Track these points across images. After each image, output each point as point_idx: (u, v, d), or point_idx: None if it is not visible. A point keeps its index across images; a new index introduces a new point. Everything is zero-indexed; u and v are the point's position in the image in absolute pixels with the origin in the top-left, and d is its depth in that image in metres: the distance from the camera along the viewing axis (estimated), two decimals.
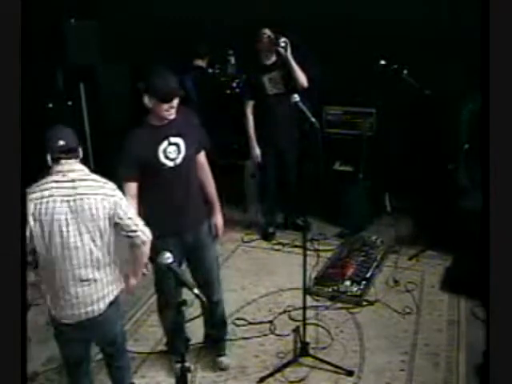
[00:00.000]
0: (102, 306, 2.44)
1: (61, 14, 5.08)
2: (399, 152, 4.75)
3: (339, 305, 3.73)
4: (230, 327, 3.50)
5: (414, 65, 4.31)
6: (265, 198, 4.89)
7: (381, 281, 4.01)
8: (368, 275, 3.96)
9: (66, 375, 2.67)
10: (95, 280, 2.41)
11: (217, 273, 3.11)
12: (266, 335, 3.45)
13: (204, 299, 2.31)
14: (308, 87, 4.30)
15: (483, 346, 2.63)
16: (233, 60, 5.23)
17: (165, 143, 2.73)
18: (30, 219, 2.27)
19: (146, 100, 2.66)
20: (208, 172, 3.01)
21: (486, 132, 1.73)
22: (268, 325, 3.55)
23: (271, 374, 3.07)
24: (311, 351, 3.18)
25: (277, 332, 3.48)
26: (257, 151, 4.51)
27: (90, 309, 2.41)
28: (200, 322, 3.33)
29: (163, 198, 2.78)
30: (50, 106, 5.26)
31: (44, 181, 2.39)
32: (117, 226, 2.40)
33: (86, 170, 2.43)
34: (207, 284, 3.01)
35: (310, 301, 3.62)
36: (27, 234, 2.25)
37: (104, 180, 2.41)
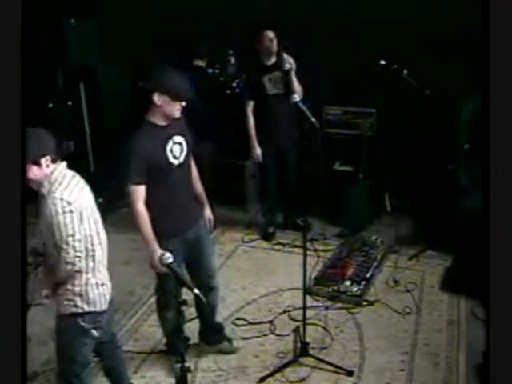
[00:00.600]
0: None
1: (61, 13, 5.08)
2: (399, 152, 4.75)
3: (339, 305, 3.73)
4: (230, 327, 3.50)
5: (414, 65, 4.31)
6: (265, 198, 4.90)
7: (381, 281, 4.01)
8: (368, 275, 3.96)
9: (71, 377, 2.65)
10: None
11: (214, 258, 3.20)
12: (266, 335, 3.45)
13: (204, 299, 2.31)
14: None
15: (483, 346, 2.64)
16: (233, 60, 5.23)
17: (170, 142, 2.75)
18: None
19: (156, 97, 2.64)
20: (195, 168, 3.05)
21: (485, 132, 1.73)
22: (268, 325, 3.55)
23: (271, 374, 3.07)
24: (311, 351, 3.18)
25: (277, 332, 3.48)
26: (257, 151, 4.51)
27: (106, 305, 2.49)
28: (200, 322, 3.33)
29: (170, 197, 2.79)
30: (50, 106, 5.25)
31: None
32: None
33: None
34: (209, 270, 3.10)
35: (310, 301, 3.62)
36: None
37: None
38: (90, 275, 2.37)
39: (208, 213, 3.11)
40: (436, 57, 4.51)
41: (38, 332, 3.46)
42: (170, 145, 2.74)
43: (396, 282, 3.97)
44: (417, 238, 4.55)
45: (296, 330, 3.31)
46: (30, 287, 3.81)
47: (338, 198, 4.83)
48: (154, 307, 3.78)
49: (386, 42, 4.50)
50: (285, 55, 4.19)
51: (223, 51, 5.07)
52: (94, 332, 2.40)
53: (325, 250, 4.37)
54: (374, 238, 4.53)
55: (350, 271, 3.99)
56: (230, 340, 3.31)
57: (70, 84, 5.31)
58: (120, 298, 3.90)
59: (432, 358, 3.21)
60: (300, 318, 3.27)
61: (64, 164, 2.43)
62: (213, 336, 3.29)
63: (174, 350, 3.13)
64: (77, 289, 2.35)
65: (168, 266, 2.31)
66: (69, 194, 2.31)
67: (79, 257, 2.29)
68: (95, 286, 2.40)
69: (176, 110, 2.68)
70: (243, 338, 3.41)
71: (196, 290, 2.27)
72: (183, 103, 2.68)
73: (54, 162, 2.37)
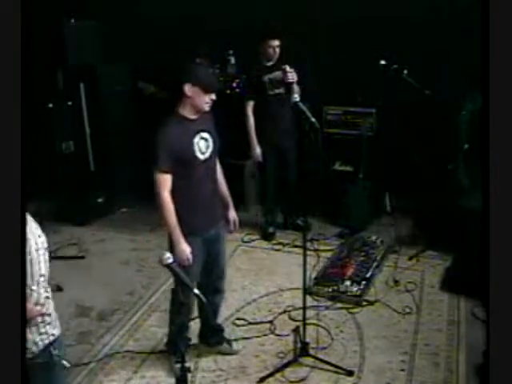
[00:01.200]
0: None
1: (61, 13, 5.08)
2: (399, 152, 4.75)
3: (339, 305, 3.73)
4: (230, 327, 3.50)
5: (414, 65, 4.31)
6: (265, 198, 4.90)
7: (381, 281, 4.01)
8: (368, 275, 3.96)
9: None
10: None
11: (225, 260, 3.22)
12: (266, 335, 3.45)
13: (204, 299, 2.31)
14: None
15: (483, 346, 2.64)
16: (233, 60, 5.23)
17: (197, 137, 2.78)
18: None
19: (187, 89, 2.68)
20: (220, 169, 3.09)
21: (485, 132, 1.73)
22: (268, 325, 3.55)
23: (271, 374, 3.06)
24: (311, 351, 3.18)
25: (277, 332, 3.48)
26: (258, 151, 4.51)
27: None
28: (200, 322, 3.33)
29: (194, 193, 2.81)
30: (50, 106, 5.25)
31: None
32: None
33: None
34: (221, 271, 3.12)
35: (310, 301, 3.61)
36: None
37: None
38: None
39: (233, 214, 3.10)
40: (436, 57, 4.51)
41: None
42: (197, 139, 2.77)
43: (396, 282, 3.97)
44: (417, 238, 4.56)
45: (296, 330, 3.31)
46: None
47: (338, 198, 4.83)
48: (154, 307, 3.80)
49: (386, 42, 4.50)
50: (287, 68, 4.16)
51: (223, 51, 5.07)
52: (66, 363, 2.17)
53: (325, 250, 4.37)
54: (374, 237, 4.53)
55: (350, 271, 3.99)
56: (229, 342, 3.31)
57: (70, 84, 5.31)
58: (120, 298, 3.91)
59: (432, 357, 3.21)
60: (300, 318, 3.27)
61: None
62: (212, 337, 3.29)
63: (175, 349, 3.13)
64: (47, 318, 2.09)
65: (168, 266, 2.31)
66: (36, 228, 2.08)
67: (48, 298, 2.06)
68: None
69: (205, 102, 2.71)
70: (243, 338, 3.41)
71: (196, 290, 2.28)
72: (213, 96, 2.72)
73: None
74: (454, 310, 3.66)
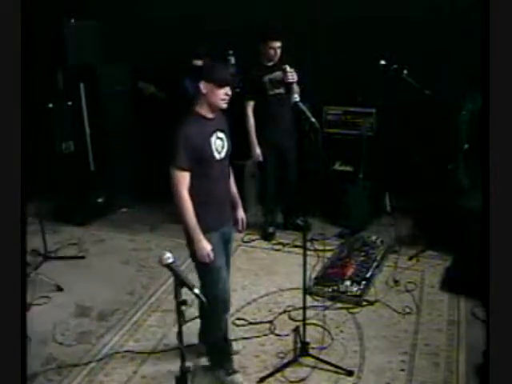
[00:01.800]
0: None
1: (61, 14, 5.08)
2: (399, 152, 4.75)
3: (339, 305, 3.72)
4: (230, 327, 3.50)
5: (414, 65, 4.31)
6: (265, 198, 4.90)
7: (381, 281, 4.01)
8: (368, 275, 3.96)
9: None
10: None
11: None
12: (266, 335, 3.45)
13: (204, 299, 2.31)
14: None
15: (483, 346, 2.64)
16: (233, 60, 5.23)
17: (214, 136, 2.79)
18: None
19: (202, 86, 2.71)
20: (231, 170, 3.09)
21: (485, 132, 1.73)
22: (268, 325, 3.55)
23: (271, 374, 3.06)
24: (311, 351, 3.18)
25: (277, 332, 3.47)
26: (258, 150, 4.51)
27: None
28: (200, 322, 3.33)
29: (211, 191, 2.81)
30: (50, 106, 5.26)
31: None
32: None
33: None
34: (228, 271, 3.10)
35: (310, 301, 3.62)
36: None
37: None
38: None
39: (241, 213, 3.12)
40: (436, 57, 4.51)
41: (37, 332, 3.47)
42: (214, 138, 2.78)
43: (396, 282, 3.97)
44: (417, 238, 4.56)
45: (296, 330, 3.31)
46: (30, 287, 3.84)
47: (338, 198, 4.83)
48: (154, 307, 3.80)
49: (386, 42, 4.50)
50: (287, 68, 4.17)
51: (223, 51, 5.07)
52: None
53: (325, 250, 4.37)
54: (374, 237, 4.53)
55: (350, 271, 3.99)
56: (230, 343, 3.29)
57: (70, 84, 5.31)
58: (120, 298, 3.91)
59: (432, 357, 3.21)
60: (300, 318, 3.27)
61: None
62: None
63: (217, 357, 3.09)
64: None
65: (168, 265, 2.31)
66: None
67: None
68: None
69: (221, 99, 2.72)
70: (243, 338, 3.41)
71: (196, 290, 2.28)
72: (228, 91, 2.72)
73: None
74: (454, 310, 3.66)
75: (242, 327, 3.54)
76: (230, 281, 3.46)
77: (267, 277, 4.16)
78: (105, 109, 5.35)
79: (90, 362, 3.23)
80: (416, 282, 3.98)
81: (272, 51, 4.32)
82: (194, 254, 2.83)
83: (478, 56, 1.80)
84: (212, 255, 2.78)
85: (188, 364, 2.46)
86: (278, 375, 3.06)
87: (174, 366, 2.93)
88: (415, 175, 4.73)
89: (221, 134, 2.83)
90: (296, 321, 3.50)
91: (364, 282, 3.86)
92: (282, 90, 4.40)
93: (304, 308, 3.16)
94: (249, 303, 3.83)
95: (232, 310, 3.68)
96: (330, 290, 3.82)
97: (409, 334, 3.42)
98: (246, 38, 4.41)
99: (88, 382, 3.09)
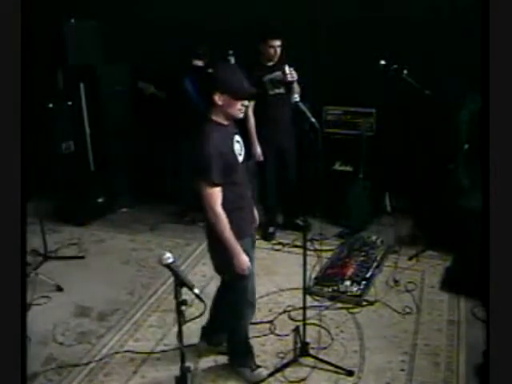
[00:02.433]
0: None
1: (61, 13, 5.08)
2: (399, 152, 4.75)
3: (339, 305, 3.72)
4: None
5: (414, 65, 4.31)
6: (265, 198, 4.89)
7: (381, 281, 4.01)
8: (368, 275, 3.96)
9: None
10: None
11: None
12: (265, 335, 3.45)
13: (204, 299, 2.31)
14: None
15: (483, 346, 2.64)
16: (233, 60, 5.23)
17: (234, 141, 2.75)
18: None
19: (216, 97, 2.60)
20: None
21: (486, 132, 1.73)
22: (268, 325, 3.55)
23: (271, 374, 3.06)
24: (311, 351, 3.18)
25: (277, 332, 3.47)
26: (258, 150, 4.51)
27: None
28: (200, 322, 3.33)
29: (240, 196, 2.78)
30: (50, 106, 5.26)
31: None
32: None
33: None
34: (254, 276, 3.08)
35: (309, 301, 3.61)
36: None
37: None
38: None
39: (255, 213, 3.08)
40: (436, 57, 4.51)
41: (37, 332, 3.47)
42: (234, 142, 2.75)
43: (396, 281, 3.97)
44: (417, 238, 4.56)
45: (296, 330, 3.31)
46: (30, 287, 3.85)
47: (337, 198, 4.83)
48: (154, 307, 3.80)
49: (386, 42, 4.50)
50: (286, 67, 4.17)
51: (223, 51, 5.07)
52: None
53: (325, 250, 4.37)
54: (374, 237, 4.53)
55: (350, 271, 3.99)
56: None
57: (70, 84, 5.31)
58: (120, 298, 3.91)
59: (432, 357, 3.21)
60: (300, 318, 3.27)
61: None
62: (215, 337, 3.27)
63: (241, 356, 3.09)
64: None
65: (168, 265, 2.31)
66: None
67: None
68: None
69: (238, 109, 2.64)
70: None
71: (196, 290, 2.27)
72: (246, 103, 2.67)
73: None
74: (454, 310, 3.66)
75: None
76: None
77: (267, 277, 4.15)
78: (105, 109, 5.35)
79: (90, 362, 3.23)
80: (416, 282, 3.98)
81: (272, 50, 4.32)
82: (223, 266, 2.81)
83: (478, 56, 1.80)
84: (251, 267, 2.77)
85: (188, 364, 2.46)
86: (277, 375, 3.06)
87: (174, 365, 2.95)
88: (415, 175, 4.73)
89: (238, 137, 2.80)
90: (296, 321, 3.50)
91: (364, 282, 3.86)
92: (282, 90, 4.40)
93: (304, 308, 3.16)
94: None
95: None
96: (330, 289, 3.82)
97: (409, 334, 3.42)
98: (246, 38, 4.41)
99: (88, 382, 3.09)
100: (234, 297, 2.95)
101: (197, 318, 3.25)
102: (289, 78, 4.17)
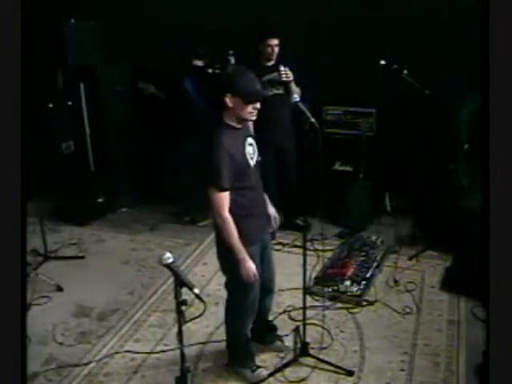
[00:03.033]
0: None
1: (61, 13, 5.08)
2: (399, 152, 4.75)
3: (339, 305, 3.72)
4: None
5: (414, 65, 4.31)
6: None
7: (381, 281, 4.01)
8: (368, 275, 3.96)
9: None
10: None
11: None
12: None
13: (204, 299, 2.31)
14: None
15: (483, 346, 2.64)
16: (233, 60, 5.23)
17: (246, 144, 2.73)
18: None
19: (228, 100, 2.59)
20: None
21: (485, 132, 1.73)
22: None
23: (271, 374, 3.06)
24: (311, 351, 3.18)
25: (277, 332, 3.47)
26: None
27: None
28: (200, 322, 3.34)
29: (251, 200, 2.75)
30: (50, 106, 5.26)
31: None
32: None
33: None
34: (272, 273, 3.11)
35: (310, 301, 3.61)
36: None
37: None
38: None
39: (273, 210, 3.05)
40: (436, 57, 4.51)
41: (37, 332, 3.47)
42: (246, 146, 2.72)
43: (396, 281, 3.97)
44: (417, 238, 4.55)
45: (296, 330, 3.31)
46: (30, 287, 3.85)
47: (337, 198, 4.83)
48: (154, 307, 3.80)
49: (386, 42, 4.50)
50: (281, 67, 4.18)
51: (223, 51, 5.07)
52: None
53: (325, 250, 4.36)
54: (374, 237, 4.53)
55: (350, 271, 3.99)
56: (281, 339, 3.31)
57: (70, 84, 5.31)
58: (120, 298, 3.91)
59: (432, 357, 3.21)
60: (300, 318, 3.27)
61: None
62: (267, 336, 3.30)
63: (241, 360, 3.10)
64: None
65: (168, 265, 2.31)
66: None
67: None
68: None
69: (249, 112, 2.62)
70: None
71: (196, 290, 2.27)
72: (257, 105, 2.63)
73: None
74: (454, 310, 3.66)
75: None
76: None
77: None
78: (105, 109, 5.35)
79: (90, 362, 3.23)
80: (416, 282, 3.98)
81: (269, 49, 4.33)
82: (230, 269, 2.80)
83: (478, 56, 1.80)
84: (257, 275, 2.74)
85: (188, 364, 2.46)
86: (278, 375, 3.06)
87: (174, 365, 2.95)
88: (415, 175, 4.73)
89: (250, 140, 2.78)
90: (296, 321, 3.50)
91: (364, 282, 3.86)
92: (280, 91, 4.41)
93: (304, 308, 3.16)
94: None
95: None
96: (330, 290, 3.82)
97: (409, 334, 3.42)
98: (246, 38, 4.41)
99: (88, 382, 3.09)
100: (238, 298, 2.95)
101: (197, 317, 3.27)
102: (283, 77, 4.18)
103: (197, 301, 2.30)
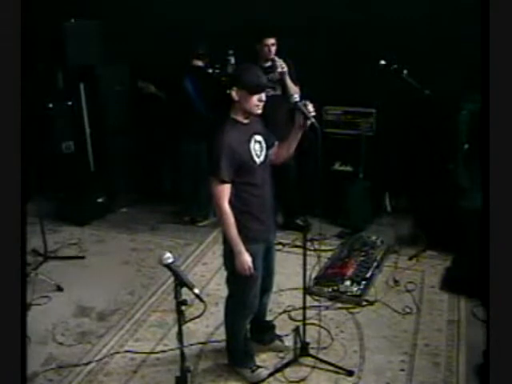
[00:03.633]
0: None
1: (61, 13, 5.08)
2: (399, 152, 4.75)
3: (339, 305, 3.72)
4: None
5: (414, 65, 4.31)
6: None
7: (381, 281, 4.01)
8: (368, 275, 3.96)
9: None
10: None
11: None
12: None
13: (204, 299, 2.31)
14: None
15: (483, 346, 2.65)
16: (233, 60, 5.23)
17: (253, 141, 2.75)
18: None
19: (234, 93, 2.67)
20: None
21: (485, 132, 1.73)
22: None
23: (271, 374, 3.06)
24: (311, 351, 3.18)
25: (277, 332, 3.47)
26: None
27: None
28: (200, 322, 3.34)
29: (256, 198, 2.77)
30: (50, 106, 5.26)
31: None
32: None
33: None
34: (272, 272, 3.12)
35: (309, 301, 3.61)
36: None
37: None
38: None
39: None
40: (436, 57, 4.51)
41: (37, 332, 3.47)
42: (252, 143, 2.74)
43: (396, 281, 3.97)
44: (417, 238, 4.55)
45: (296, 330, 3.31)
46: (30, 287, 3.85)
47: (337, 198, 4.83)
48: (154, 307, 3.80)
49: (386, 42, 4.50)
50: (276, 58, 4.22)
51: (223, 51, 5.07)
52: None
53: (325, 250, 4.36)
54: (374, 237, 4.53)
55: (350, 271, 3.99)
56: (281, 339, 3.31)
57: (70, 84, 5.32)
58: (120, 298, 3.91)
59: (432, 357, 3.21)
60: (300, 318, 3.27)
61: None
62: (265, 334, 3.30)
63: (240, 360, 3.11)
64: None
65: (168, 266, 2.31)
66: None
67: None
68: None
69: (254, 105, 2.68)
70: None
71: (196, 290, 2.27)
72: (262, 97, 2.69)
73: None
74: (454, 310, 3.66)
75: None
76: None
77: None
78: (105, 109, 5.35)
79: (90, 362, 3.23)
80: (416, 282, 3.98)
81: (266, 49, 4.34)
82: (230, 263, 2.79)
83: (478, 56, 1.80)
84: (252, 268, 2.74)
85: (188, 364, 2.46)
86: (277, 375, 3.06)
87: (174, 365, 2.95)
88: (415, 175, 4.73)
89: (258, 137, 2.79)
90: (296, 321, 3.50)
91: (364, 282, 3.86)
92: (278, 92, 4.41)
93: (304, 308, 3.16)
94: None
95: None
96: (330, 290, 3.82)
97: (409, 334, 3.42)
98: (246, 38, 4.41)
99: (88, 382, 3.09)
100: (236, 295, 2.96)
101: (197, 317, 3.27)
102: (279, 68, 4.20)
103: (197, 301, 2.30)
